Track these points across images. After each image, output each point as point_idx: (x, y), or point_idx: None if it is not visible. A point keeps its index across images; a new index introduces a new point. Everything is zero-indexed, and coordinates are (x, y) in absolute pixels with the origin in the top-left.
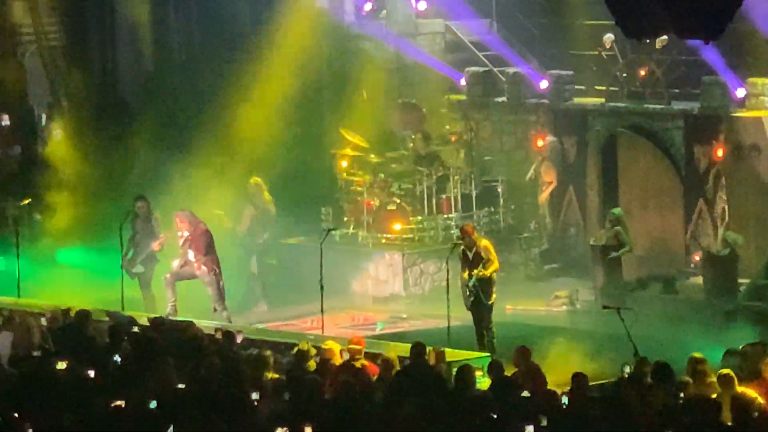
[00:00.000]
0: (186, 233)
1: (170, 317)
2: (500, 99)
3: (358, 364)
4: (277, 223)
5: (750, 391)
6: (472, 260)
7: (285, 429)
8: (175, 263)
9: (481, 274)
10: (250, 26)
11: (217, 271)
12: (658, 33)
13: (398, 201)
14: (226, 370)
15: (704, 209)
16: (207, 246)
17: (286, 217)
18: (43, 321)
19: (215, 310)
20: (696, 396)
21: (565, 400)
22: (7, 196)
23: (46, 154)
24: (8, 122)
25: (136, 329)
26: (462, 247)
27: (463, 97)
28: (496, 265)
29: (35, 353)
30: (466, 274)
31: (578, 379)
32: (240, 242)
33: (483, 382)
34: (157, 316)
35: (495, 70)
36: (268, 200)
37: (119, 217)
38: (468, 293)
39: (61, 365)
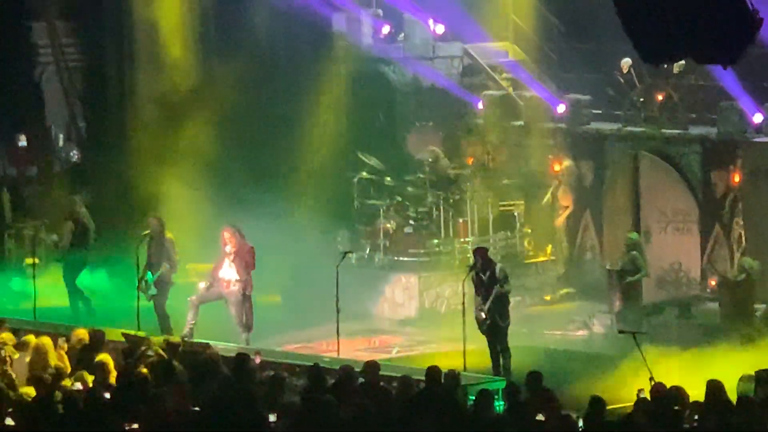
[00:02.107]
0: (231, 248)
1: (186, 339)
2: (517, 123)
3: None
4: (292, 246)
5: None
6: (487, 283)
7: None
8: (202, 285)
9: (500, 292)
10: (266, 50)
11: (250, 292)
12: (675, 58)
13: (415, 224)
14: (241, 392)
15: (721, 234)
16: (250, 265)
17: (301, 241)
18: (61, 342)
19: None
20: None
21: (581, 424)
22: (24, 216)
23: (62, 175)
24: (25, 142)
25: (151, 351)
26: (476, 270)
27: (481, 121)
28: (509, 285)
29: (51, 374)
30: (480, 297)
31: (594, 403)
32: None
33: (498, 405)
34: (173, 337)
35: (512, 93)
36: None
37: (136, 238)
38: (483, 316)
39: (77, 386)
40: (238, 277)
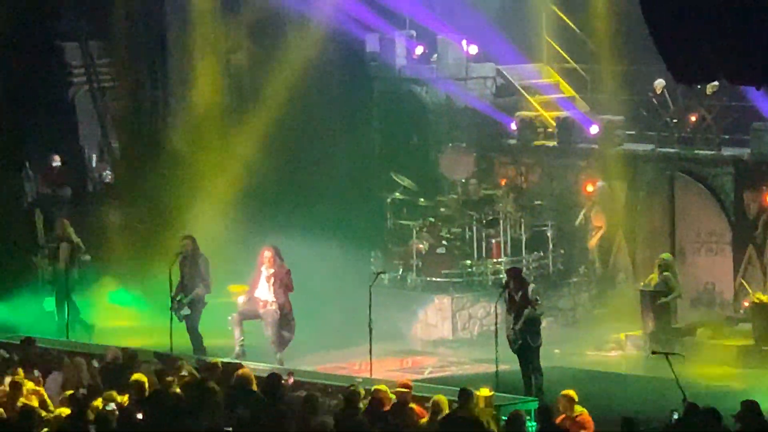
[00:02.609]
0: (271, 270)
1: (239, 358)
2: (550, 143)
3: (406, 407)
4: (325, 266)
5: None
6: (519, 303)
7: None
8: (241, 300)
9: (530, 315)
10: (300, 71)
11: (287, 312)
12: (709, 79)
13: (447, 245)
14: (273, 413)
15: (754, 255)
16: (289, 288)
17: (334, 261)
18: (95, 363)
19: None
20: None
21: None
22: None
23: (96, 195)
24: (59, 163)
25: (185, 371)
26: (508, 290)
27: (514, 142)
28: (541, 308)
29: (84, 394)
30: (512, 317)
31: (627, 424)
32: None
33: (531, 426)
34: (206, 358)
35: (545, 114)
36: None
37: (168, 258)
38: (514, 336)
39: (111, 406)
40: (274, 299)
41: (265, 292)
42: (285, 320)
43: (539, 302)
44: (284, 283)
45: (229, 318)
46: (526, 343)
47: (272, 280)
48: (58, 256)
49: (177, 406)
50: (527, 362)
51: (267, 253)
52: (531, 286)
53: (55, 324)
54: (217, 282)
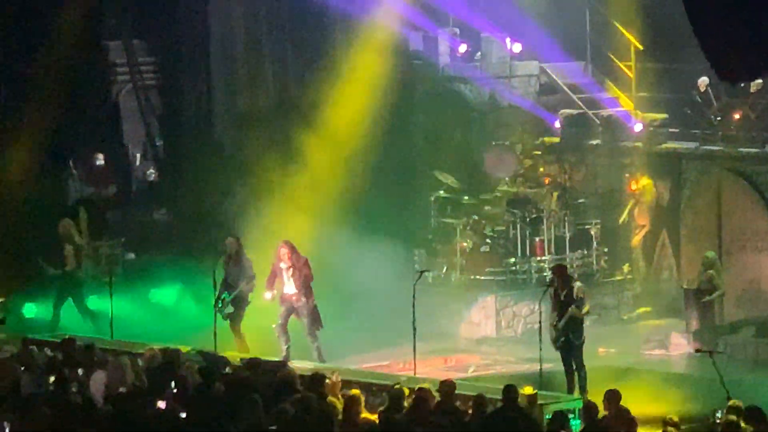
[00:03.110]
0: (287, 263)
1: (285, 360)
2: (594, 142)
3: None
4: (370, 264)
5: None
6: (564, 301)
7: None
8: (268, 296)
9: (574, 313)
10: (344, 67)
11: (314, 300)
12: (753, 76)
13: (491, 243)
14: (317, 412)
15: None
16: (309, 277)
17: (378, 259)
18: (140, 361)
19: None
20: None
21: None
22: (101, 235)
23: (139, 194)
24: (103, 162)
25: (228, 369)
26: (554, 287)
27: (557, 140)
28: (586, 307)
29: (127, 392)
30: (555, 314)
31: (669, 423)
32: None
33: (575, 424)
34: (252, 356)
35: (589, 112)
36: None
37: (212, 256)
38: (557, 333)
39: (160, 404)
40: (296, 291)
41: (291, 286)
42: (314, 312)
43: (584, 303)
44: (304, 274)
45: (273, 327)
46: (568, 340)
47: (291, 271)
48: (63, 258)
49: (220, 405)
50: (570, 360)
51: (283, 250)
52: (577, 284)
53: (98, 323)
54: (260, 279)
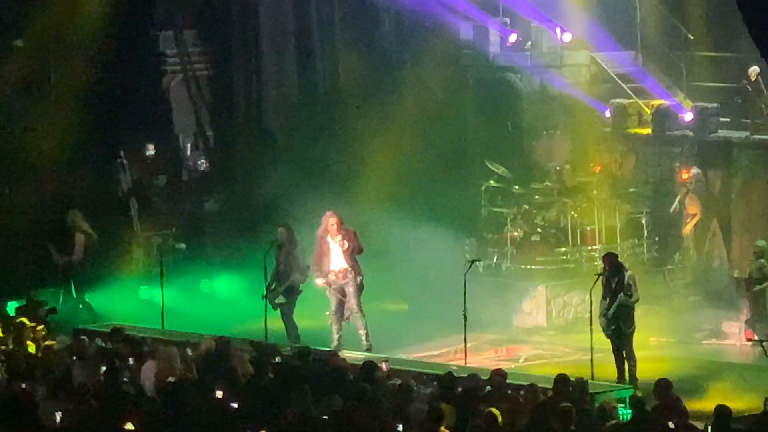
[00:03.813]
0: (340, 237)
1: (336, 350)
2: (645, 131)
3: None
4: (421, 254)
5: None
6: (615, 289)
7: None
8: (320, 281)
9: (624, 302)
10: (394, 57)
11: (362, 278)
12: None
13: (542, 232)
14: (369, 401)
15: None
16: (358, 249)
17: (429, 249)
18: (189, 351)
19: (353, 314)
20: None
21: None
22: (152, 225)
23: (190, 184)
24: (153, 151)
25: (278, 359)
26: (605, 276)
27: (608, 129)
28: (637, 295)
29: (177, 381)
30: (606, 302)
31: (721, 412)
32: None
33: (625, 414)
34: (303, 346)
35: (639, 101)
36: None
37: (263, 246)
38: (607, 322)
39: (218, 393)
40: (347, 266)
41: (340, 260)
42: (362, 286)
43: (635, 291)
44: (354, 245)
45: (327, 314)
46: (619, 328)
47: (345, 245)
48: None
49: (270, 395)
50: (620, 348)
51: (332, 220)
52: (628, 273)
53: (150, 312)
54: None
